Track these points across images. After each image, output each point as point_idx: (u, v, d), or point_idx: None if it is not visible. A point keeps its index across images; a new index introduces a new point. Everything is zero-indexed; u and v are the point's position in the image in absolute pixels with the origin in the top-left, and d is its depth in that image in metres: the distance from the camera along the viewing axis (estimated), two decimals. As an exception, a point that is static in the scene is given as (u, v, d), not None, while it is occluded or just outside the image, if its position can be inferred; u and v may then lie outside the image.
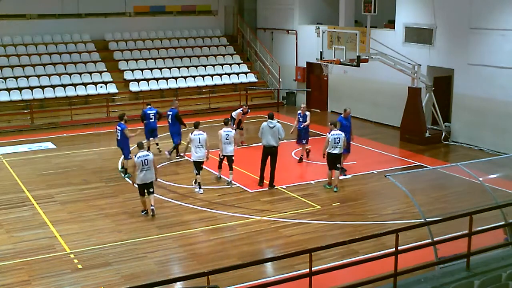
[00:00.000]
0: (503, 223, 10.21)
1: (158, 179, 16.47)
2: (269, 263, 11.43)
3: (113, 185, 16.22)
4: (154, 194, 14.04)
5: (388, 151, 19.51)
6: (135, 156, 13.64)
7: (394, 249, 8.85)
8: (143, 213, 13.96)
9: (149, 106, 19.18)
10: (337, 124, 15.75)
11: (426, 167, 17.34)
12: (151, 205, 13.80)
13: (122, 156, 17.26)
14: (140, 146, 13.85)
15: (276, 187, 15.79)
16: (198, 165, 15.38)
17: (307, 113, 18.47)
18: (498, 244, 10.34)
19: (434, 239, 9.58)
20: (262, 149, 15.81)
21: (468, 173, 10.76)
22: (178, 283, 10.45)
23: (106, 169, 17.61)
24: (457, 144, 20.32)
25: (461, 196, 14.95)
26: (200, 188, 15.47)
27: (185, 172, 17.20)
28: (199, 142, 15.23)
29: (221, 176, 16.44)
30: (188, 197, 15.17)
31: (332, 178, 15.63)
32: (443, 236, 9.81)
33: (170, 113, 18.83)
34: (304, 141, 18.29)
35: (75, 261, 11.61)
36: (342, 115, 16.94)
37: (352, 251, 11.64)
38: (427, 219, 9.66)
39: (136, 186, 13.81)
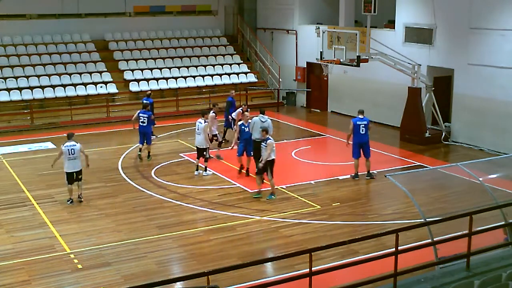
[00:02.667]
0: (503, 223, 10.20)
1: (158, 179, 16.58)
2: (269, 263, 11.42)
3: (113, 185, 16.23)
4: (82, 181, 14.99)
5: (388, 151, 19.51)
6: (63, 145, 14.59)
7: (394, 249, 8.84)
8: (68, 202, 14.71)
9: (148, 97, 20.67)
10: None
11: (426, 167, 17.33)
12: (79, 194, 14.85)
13: (141, 146, 18.42)
14: (68, 137, 14.70)
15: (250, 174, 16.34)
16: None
17: (250, 120, 16.77)
18: (498, 244, 10.33)
19: (434, 239, 9.58)
20: (253, 144, 16.27)
21: (468, 173, 10.75)
22: (178, 283, 10.45)
23: (106, 169, 17.61)
24: (457, 144, 20.32)
25: (461, 196, 14.94)
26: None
27: (185, 172, 17.21)
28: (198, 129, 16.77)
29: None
30: (188, 197, 15.17)
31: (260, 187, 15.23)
32: (443, 236, 9.80)
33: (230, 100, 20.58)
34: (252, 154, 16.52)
35: (75, 261, 11.61)
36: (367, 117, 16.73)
37: (352, 251, 11.63)
38: (427, 219, 9.65)
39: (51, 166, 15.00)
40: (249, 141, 16.37)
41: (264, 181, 15.22)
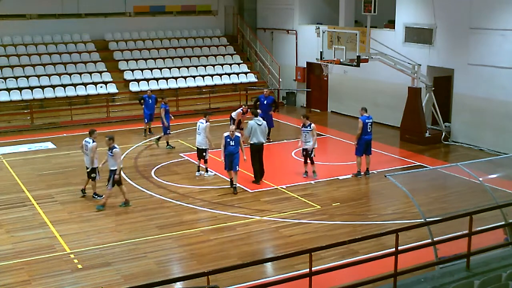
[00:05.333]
0: (503, 223, 10.21)
1: (158, 179, 16.59)
2: (269, 263, 11.42)
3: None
4: (95, 181, 15.05)
5: (388, 151, 19.51)
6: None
7: (394, 249, 8.85)
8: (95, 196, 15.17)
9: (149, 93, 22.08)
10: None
11: (426, 167, 17.33)
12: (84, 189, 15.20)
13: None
14: (89, 133, 15.05)
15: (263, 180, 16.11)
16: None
17: (238, 135, 15.75)
18: (498, 244, 10.34)
19: (434, 239, 9.58)
20: (251, 148, 16.07)
21: (468, 173, 10.76)
22: (178, 283, 10.46)
23: (106, 169, 17.54)
24: (457, 144, 20.32)
25: (461, 196, 14.94)
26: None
27: (185, 172, 17.22)
28: (198, 129, 16.74)
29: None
30: (188, 197, 15.17)
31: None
32: (443, 236, 9.81)
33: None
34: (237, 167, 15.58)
35: (75, 261, 11.61)
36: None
37: (352, 251, 11.64)
38: (427, 219, 9.66)
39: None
40: (234, 155, 15.35)
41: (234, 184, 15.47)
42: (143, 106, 21.64)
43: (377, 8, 18.98)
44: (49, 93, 24.67)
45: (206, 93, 26.70)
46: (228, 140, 15.40)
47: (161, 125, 19.80)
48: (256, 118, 16.13)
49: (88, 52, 27.12)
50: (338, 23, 24.57)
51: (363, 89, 23.97)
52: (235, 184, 15.58)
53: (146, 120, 21.59)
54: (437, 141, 20.48)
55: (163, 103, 19.96)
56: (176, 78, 27.12)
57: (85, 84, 25.43)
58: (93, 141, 14.81)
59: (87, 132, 15.26)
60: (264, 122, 16.22)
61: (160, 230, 13.10)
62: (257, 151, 16.08)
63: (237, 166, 15.43)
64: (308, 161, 16.59)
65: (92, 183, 15.09)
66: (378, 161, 17.78)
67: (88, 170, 14.97)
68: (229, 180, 15.87)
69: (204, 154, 16.78)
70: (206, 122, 16.70)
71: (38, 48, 26.56)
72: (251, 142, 16.06)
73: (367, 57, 19.38)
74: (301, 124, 16.66)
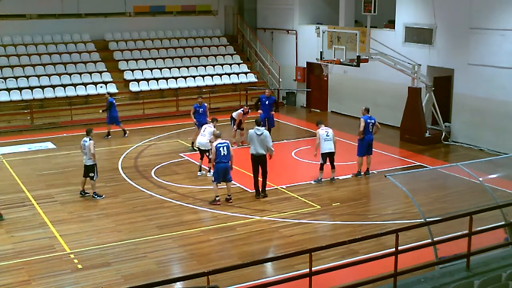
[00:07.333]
0: (503, 223, 10.21)
1: (158, 179, 16.59)
2: (269, 263, 11.43)
3: (113, 185, 16.23)
4: (94, 180, 15.10)
5: (388, 151, 19.51)
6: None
7: (394, 249, 8.85)
8: (80, 195, 15.27)
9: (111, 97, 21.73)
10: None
11: (426, 167, 17.33)
12: (83, 189, 15.27)
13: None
14: (86, 132, 15.20)
15: (267, 195, 15.23)
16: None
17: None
18: (498, 244, 10.34)
19: (434, 239, 9.58)
20: (251, 158, 14.95)
21: (468, 173, 10.76)
22: (178, 283, 10.46)
23: (106, 169, 17.60)
24: (457, 144, 20.31)
25: (461, 196, 14.94)
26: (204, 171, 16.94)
27: (185, 172, 17.22)
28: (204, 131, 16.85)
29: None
30: (188, 197, 15.17)
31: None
32: (443, 236, 9.81)
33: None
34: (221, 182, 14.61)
35: (75, 261, 11.61)
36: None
37: (352, 251, 11.63)
38: (427, 219, 9.66)
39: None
40: (226, 166, 14.36)
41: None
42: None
43: (377, 8, 18.96)
44: (49, 93, 24.67)
45: (206, 93, 26.65)
46: (220, 145, 14.30)
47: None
48: (257, 127, 14.84)
49: (88, 52, 27.13)
50: (338, 23, 24.58)
51: (363, 89, 23.97)
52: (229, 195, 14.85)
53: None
54: (437, 141, 20.48)
55: (197, 103, 19.43)
56: (176, 78, 27.11)
57: (85, 84, 25.43)
58: (90, 139, 14.93)
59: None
60: (265, 132, 14.81)
61: (160, 230, 13.10)
62: (255, 161, 14.89)
63: (230, 177, 14.61)
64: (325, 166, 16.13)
65: (92, 182, 15.09)
66: (378, 161, 17.77)
67: (86, 169, 15.02)
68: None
69: (207, 154, 16.71)
70: (214, 127, 16.65)
71: (38, 48, 26.56)
72: (250, 152, 15.04)
73: (367, 57, 19.37)
74: (319, 129, 16.07)
